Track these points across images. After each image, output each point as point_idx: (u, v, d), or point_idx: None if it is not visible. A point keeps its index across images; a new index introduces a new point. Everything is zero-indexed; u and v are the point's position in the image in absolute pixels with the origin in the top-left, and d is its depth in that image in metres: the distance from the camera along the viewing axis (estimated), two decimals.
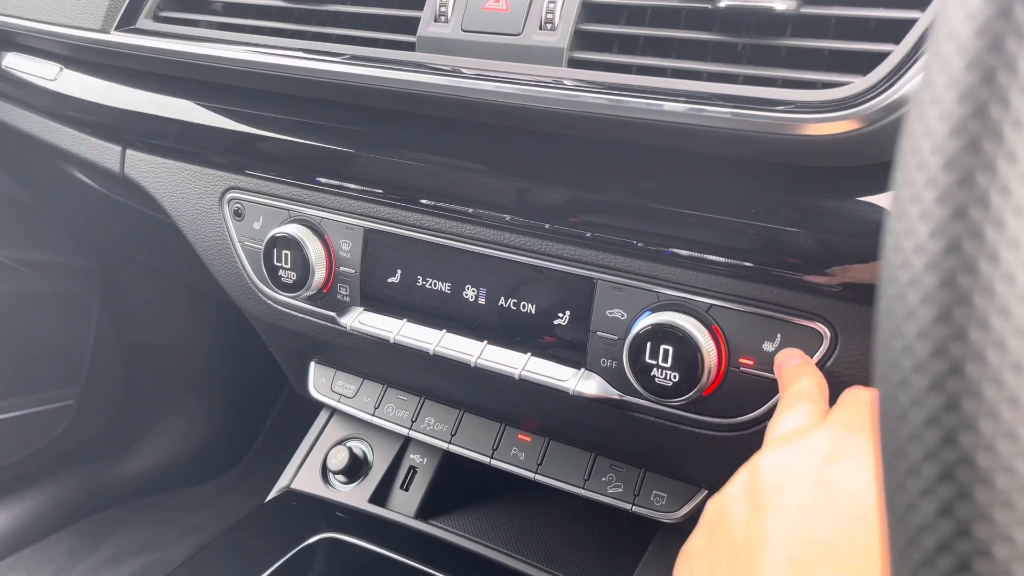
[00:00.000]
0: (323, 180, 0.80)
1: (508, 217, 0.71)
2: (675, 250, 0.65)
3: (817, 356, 0.61)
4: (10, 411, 1.92)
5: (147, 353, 2.10)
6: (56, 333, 1.94)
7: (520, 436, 0.83)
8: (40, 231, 1.82)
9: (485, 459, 0.83)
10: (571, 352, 0.71)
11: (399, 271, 0.79)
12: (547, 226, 0.70)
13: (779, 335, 0.63)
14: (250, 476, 2.20)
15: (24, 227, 1.80)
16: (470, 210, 0.73)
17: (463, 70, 0.65)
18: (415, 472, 0.97)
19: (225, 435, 2.20)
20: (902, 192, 0.24)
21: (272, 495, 1.02)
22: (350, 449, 0.99)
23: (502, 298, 0.74)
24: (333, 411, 1.06)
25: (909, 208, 0.23)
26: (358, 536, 0.91)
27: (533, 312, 0.73)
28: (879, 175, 0.56)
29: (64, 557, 1.98)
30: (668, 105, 0.57)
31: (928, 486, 0.22)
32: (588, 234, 0.68)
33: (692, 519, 0.75)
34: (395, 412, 0.89)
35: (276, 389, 2.25)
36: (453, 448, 0.85)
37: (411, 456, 0.99)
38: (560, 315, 0.72)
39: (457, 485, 0.98)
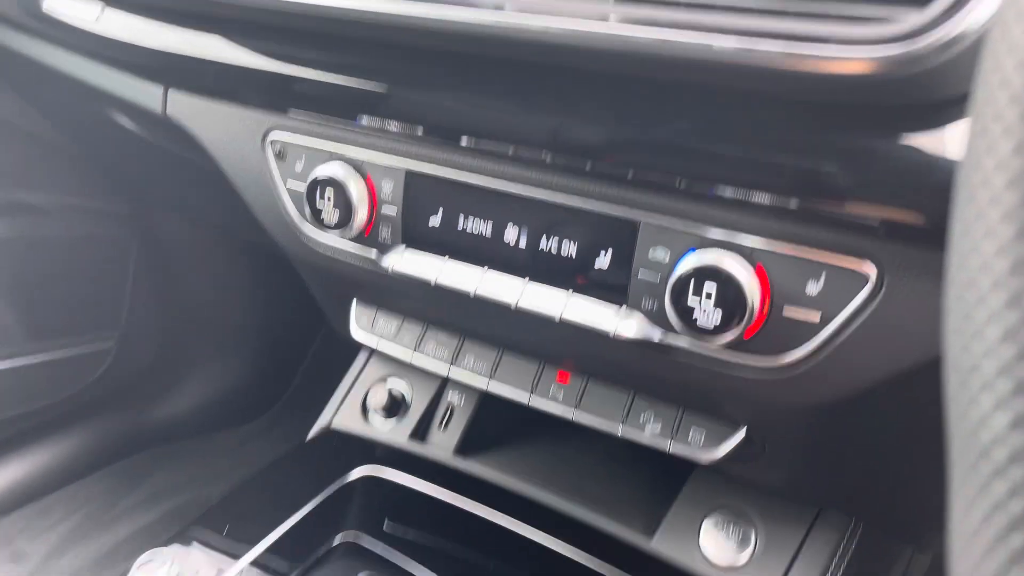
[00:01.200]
0: (364, 120, 0.80)
1: (549, 157, 0.71)
2: (719, 190, 0.65)
3: (861, 296, 0.61)
4: (52, 352, 1.97)
5: (183, 298, 2.14)
6: (95, 278, 1.98)
7: (559, 376, 0.84)
8: (78, 177, 1.85)
9: (524, 399, 0.84)
10: (612, 293, 0.72)
11: (440, 212, 0.79)
12: (588, 166, 0.70)
13: (824, 275, 0.63)
14: (285, 419, 2.24)
15: (62, 173, 1.82)
16: (510, 150, 0.73)
17: (506, 6, 0.64)
18: (453, 411, 0.99)
19: (259, 379, 2.24)
20: (977, 143, 0.24)
21: (313, 433, 1.05)
22: (390, 389, 1.01)
23: (543, 239, 0.75)
24: (372, 351, 1.07)
25: (984, 159, 0.23)
26: (399, 472, 0.93)
27: (574, 253, 0.73)
28: (932, 113, 0.55)
29: (104, 496, 2.04)
30: (718, 42, 0.56)
31: (1002, 399, 0.22)
32: (630, 174, 0.68)
33: (729, 459, 0.76)
34: (435, 352, 0.90)
35: (310, 334, 2.28)
36: (492, 387, 0.86)
37: (449, 395, 1.00)
38: (601, 256, 0.72)
39: (495, 424, 0.99)
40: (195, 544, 0.85)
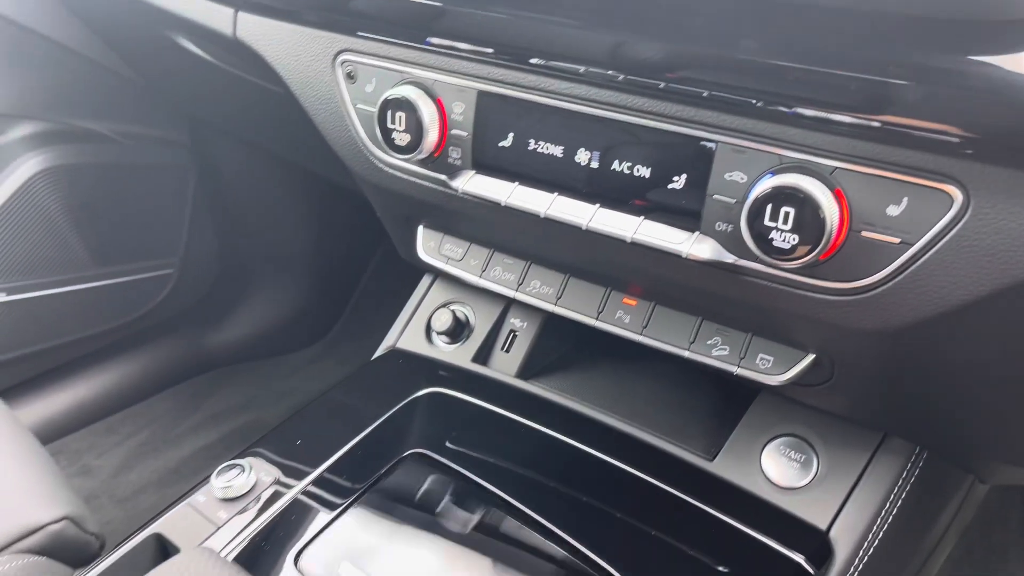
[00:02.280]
0: (435, 41, 0.80)
1: (622, 76, 0.71)
2: (800, 110, 0.64)
3: (946, 219, 0.60)
4: (117, 277, 2.03)
5: (240, 225, 2.18)
6: (157, 205, 2.02)
7: (625, 300, 0.84)
8: (140, 106, 1.87)
9: (590, 321, 0.85)
10: (685, 215, 0.72)
11: (511, 134, 0.79)
12: (663, 85, 0.69)
13: (906, 198, 0.62)
14: (339, 345, 2.30)
15: (126, 102, 1.85)
16: (582, 69, 0.72)
17: None
18: (515, 336, 1.01)
19: (315, 306, 2.29)
20: None
21: (378, 354, 1.07)
22: (453, 312, 1.03)
23: (616, 161, 0.74)
24: (436, 276, 1.09)
25: None
26: (463, 391, 0.95)
27: (647, 176, 0.73)
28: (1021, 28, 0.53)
29: (167, 416, 2.13)
30: None
31: None
32: (706, 93, 0.67)
33: (796, 383, 0.76)
34: (501, 275, 0.91)
35: (363, 262, 2.32)
36: (558, 310, 0.87)
37: (512, 320, 1.02)
38: (676, 178, 0.72)
39: (557, 350, 1.01)
40: (270, 455, 0.89)
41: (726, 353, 0.79)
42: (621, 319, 0.84)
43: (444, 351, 1.04)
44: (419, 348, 1.05)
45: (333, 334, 2.33)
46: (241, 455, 0.89)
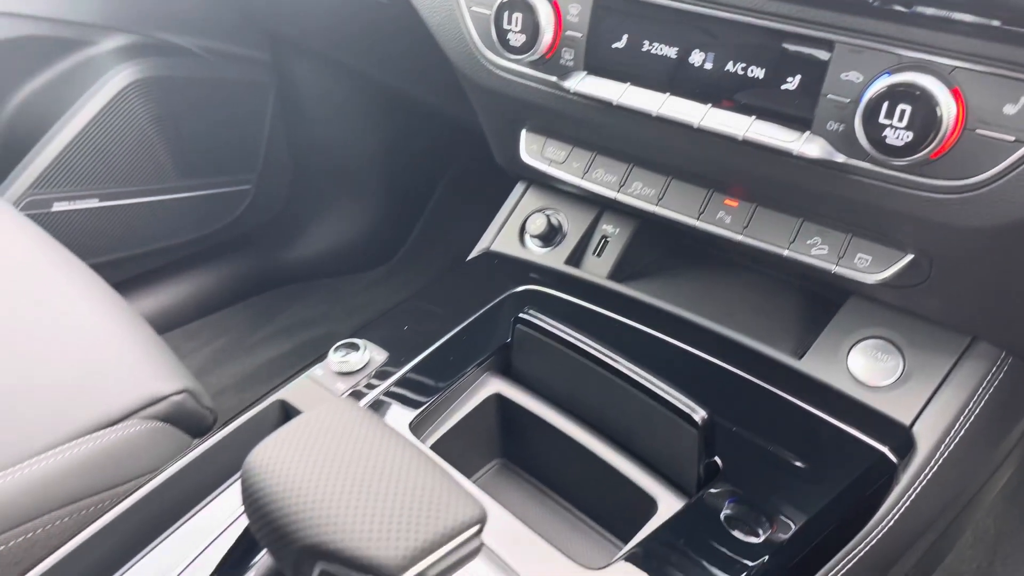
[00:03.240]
0: None
1: None
2: (920, 9, 0.66)
3: None
4: (199, 190, 2.10)
5: (316, 145, 2.23)
6: (236, 120, 2.08)
7: (727, 201, 0.88)
8: (223, 21, 1.92)
9: (691, 221, 0.89)
10: (797, 115, 0.75)
11: (625, 36, 0.82)
12: None
13: (1022, 98, 0.64)
14: (407, 266, 2.36)
15: (209, 16, 1.90)
16: None
17: None
18: (607, 241, 1.05)
19: (384, 228, 2.35)
20: None
21: (473, 255, 1.12)
22: (548, 217, 1.07)
23: (730, 62, 0.77)
24: (530, 183, 1.13)
25: None
26: (557, 290, 1.00)
27: (761, 76, 0.76)
28: None
29: (244, 325, 2.22)
30: None
31: None
32: None
33: (891, 283, 0.80)
34: (603, 176, 0.95)
35: (432, 187, 2.37)
36: (659, 211, 0.91)
37: (604, 227, 1.06)
38: (790, 79, 0.75)
39: (648, 255, 1.05)
40: (380, 337, 0.95)
41: (825, 252, 0.82)
42: (722, 219, 0.88)
43: (536, 254, 1.08)
44: (512, 251, 1.10)
45: (400, 255, 2.39)
46: (356, 334, 0.95)
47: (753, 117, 0.77)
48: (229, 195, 2.16)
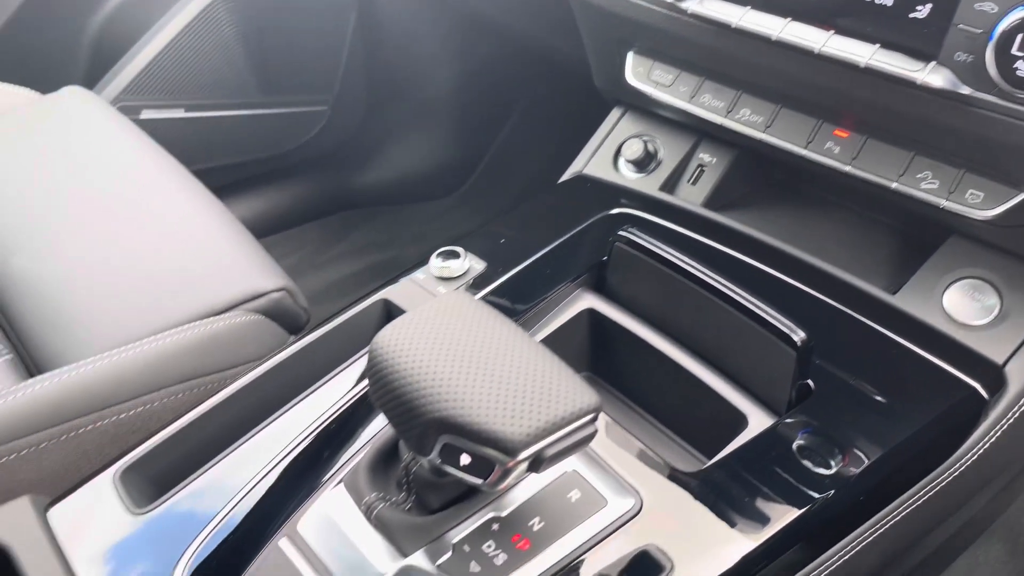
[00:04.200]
0: None
1: None
2: None
3: None
4: (278, 108, 2.14)
5: (391, 71, 2.25)
6: (317, 40, 2.11)
7: (836, 132, 0.88)
8: None
9: (798, 150, 0.90)
10: (923, 44, 0.75)
11: None
12: None
13: None
14: (473, 198, 2.39)
15: None
16: None
17: None
18: (703, 170, 1.06)
19: (452, 159, 2.37)
20: None
21: (565, 177, 1.14)
22: (645, 143, 1.08)
23: None
24: (626, 109, 1.14)
25: None
26: (651, 214, 1.02)
27: (890, 3, 0.76)
28: None
29: (315, 244, 2.28)
30: None
31: None
32: None
33: (1001, 221, 0.80)
34: (711, 102, 0.96)
35: (502, 122, 2.37)
36: (766, 138, 0.92)
37: (700, 155, 1.07)
38: (920, 7, 0.74)
39: (744, 186, 1.06)
40: (478, 248, 0.98)
41: (935, 187, 0.82)
42: (830, 149, 0.88)
43: (629, 179, 1.10)
44: (605, 175, 1.11)
45: (467, 187, 2.41)
46: (454, 242, 0.98)
47: (877, 45, 0.77)
48: (306, 115, 2.19)
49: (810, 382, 0.81)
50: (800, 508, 0.71)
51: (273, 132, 2.15)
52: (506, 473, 0.60)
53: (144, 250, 1.10)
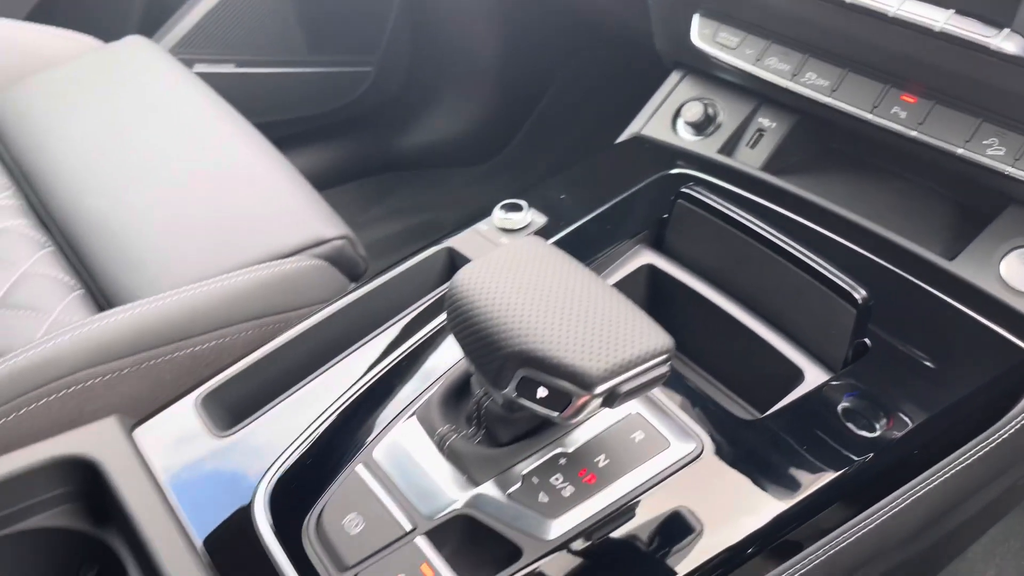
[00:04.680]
0: None
1: None
2: None
3: None
4: (324, 67, 2.17)
5: (436, 37, 2.26)
6: (364, 1, 2.12)
7: (903, 96, 0.89)
8: None
9: (864, 114, 0.91)
10: (998, 11, 0.76)
11: None
12: None
13: None
14: (512, 164, 2.41)
15: None
16: None
17: None
18: (762, 134, 1.07)
19: (492, 125, 2.39)
20: None
21: (622, 138, 1.16)
22: (704, 105, 1.10)
23: None
24: (685, 73, 1.15)
25: None
26: (709, 175, 1.03)
27: None
28: None
29: (355, 203, 2.31)
30: None
31: None
32: None
33: None
34: (776, 65, 0.97)
35: (542, 90, 2.38)
36: (832, 101, 0.93)
37: (760, 119, 1.08)
38: None
39: (801, 153, 1.07)
40: (539, 202, 1.00)
41: (1001, 154, 0.83)
42: (896, 115, 0.89)
43: (687, 141, 1.11)
44: (663, 136, 1.13)
45: (506, 153, 2.43)
46: (516, 195, 1.00)
47: (951, 11, 0.78)
48: (351, 75, 2.22)
49: (867, 340, 0.83)
50: (840, 469, 0.73)
51: (318, 91, 2.18)
52: (581, 407, 0.63)
53: (211, 195, 1.14)
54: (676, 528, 0.69)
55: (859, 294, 0.79)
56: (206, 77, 1.92)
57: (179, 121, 1.29)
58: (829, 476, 0.73)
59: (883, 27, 0.81)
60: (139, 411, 0.84)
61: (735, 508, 0.70)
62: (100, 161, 1.20)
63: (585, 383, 0.61)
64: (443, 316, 0.86)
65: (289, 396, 0.81)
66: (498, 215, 0.98)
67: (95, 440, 0.75)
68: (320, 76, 2.17)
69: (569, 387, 0.62)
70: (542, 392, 0.63)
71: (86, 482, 0.74)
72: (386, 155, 2.37)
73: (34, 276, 1.04)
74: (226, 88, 1.95)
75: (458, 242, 0.97)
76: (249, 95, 2.01)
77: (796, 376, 0.83)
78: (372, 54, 2.22)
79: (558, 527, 0.67)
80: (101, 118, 1.28)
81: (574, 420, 0.64)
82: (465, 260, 0.94)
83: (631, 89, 1.30)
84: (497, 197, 1.00)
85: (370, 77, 2.25)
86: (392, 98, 2.33)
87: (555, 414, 0.64)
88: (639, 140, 1.14)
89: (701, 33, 1.03)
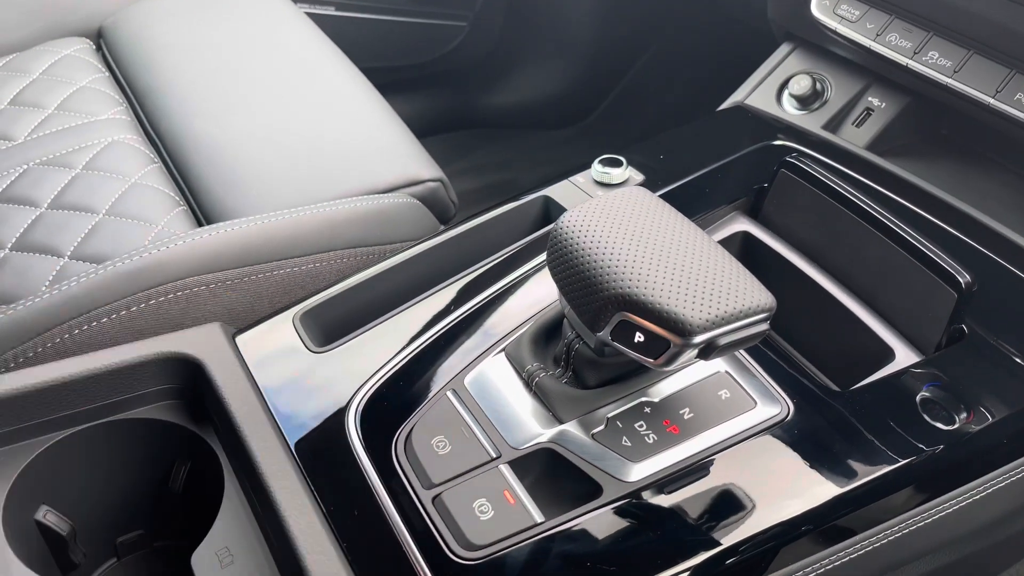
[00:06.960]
0: None
1: None
2: None
3: None
4: (422, 17, 2.19)
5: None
6: None
7: None
8: None
9: (986, 99, 0.89)
10: None
11: None
12: None
13: None
14: (595, 131, 2.40)
15: None
16: None
17: None
18: (870, 113, 1.05)
19: (580, 90, 2.38)
20: None
21: (724, 106, 1.15)
22: (813, 79, 1.08)
23: None
24: (795, 46, 1.13)
25: None
26: (811, 149, 1.02)
27: None
28: None
29: (439, 156, 2.32)
30: None
31: None
32: None
33: None
34: (897, 41, 0.95)
35: (632, 60, 2.36)
36: (952, 83, 0.91)
37: (870, 98, 1.06)
38: None
39: (909, 135, 1.05)
40: (636, 163, 1.01)
41: None
42: (1020, 101, 0.87)
43: (791, 115, 1.10)
44: (766, 107, 1.12)
45: (590, 120, 2.42)
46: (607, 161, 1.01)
47: None
48: (446, 28, 2.23)
49: (964, 326, 0.81)
50: (917, 455, 0.72)
51: (413, 41, 2.20)
52: (677, 354, 0.63)
53: (314, 127, 1.17)
54: (750, 489, 0.69)
55: (963, 278, 0.78)
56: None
57: (286, 54, 1.32)
58: (909, 460, 0.72)
59: (1015, 7, 0.79)
60: (238, 322, 0.88)
61: (808, 479, 0.70)
62: (209, 86, 1.24)
63: (684, 331, 0.62)
64: (537, 259, 0.87)
65: (383, 321, 0.84)
66: (596, 168, 0.98)
67: (201, 342, 0.78)
68: (415, 27, 2.19)
69: (667, 334, 0.63)
70: (639, 337, 0.64)
71: (189, 380, 0.78)
72: (471, 112, 2.39)
73: (143, 188, 1.08)
74: (324, 30, 2.00)
75: (555, 191, 0.98)
76: (344, 39, 2.04)
77: (886, 355, 0.83)
78: (469, 9, 2.23)
79: (639, 471, 0.69)
80: (211, 45, 1.32)
81: (666, 368, 0.65)
82: (561, 209, 0.95)
83: (726, 63, 1.28)
84: (579, 161, 1.01)
85: (464, 31, 2.26)
86: (483, 55, 2.34)
87: (649, 360, 0.65)
88: (741, 109, 1.13)
89: (821, 4, 1.01)
